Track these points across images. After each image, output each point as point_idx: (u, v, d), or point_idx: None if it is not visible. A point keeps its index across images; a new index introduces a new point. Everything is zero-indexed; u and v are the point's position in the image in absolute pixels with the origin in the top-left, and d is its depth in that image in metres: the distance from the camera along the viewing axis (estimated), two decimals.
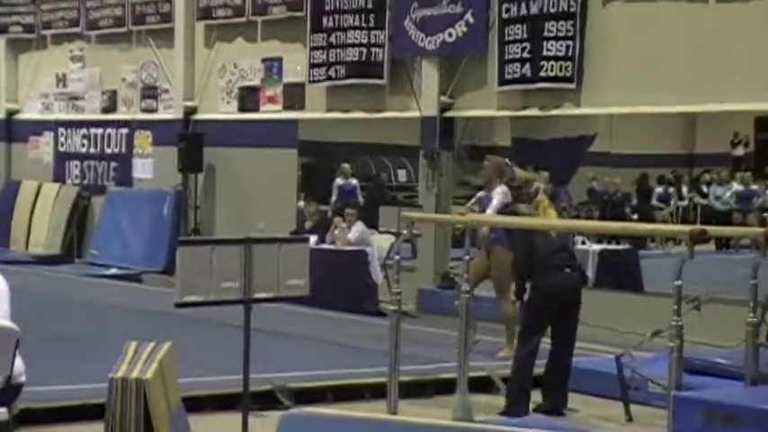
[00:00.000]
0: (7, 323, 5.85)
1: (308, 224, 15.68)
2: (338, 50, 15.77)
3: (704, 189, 24.12)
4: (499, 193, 10.73)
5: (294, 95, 16.84)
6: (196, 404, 8.01)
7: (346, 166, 20.70)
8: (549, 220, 9.91)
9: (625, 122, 19.68)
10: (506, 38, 13.88)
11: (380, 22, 15.32)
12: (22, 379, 6.08)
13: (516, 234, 9.12)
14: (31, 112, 21.56)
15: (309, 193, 17.28)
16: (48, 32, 20.93)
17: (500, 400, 8.94)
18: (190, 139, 17.90)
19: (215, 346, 10.35)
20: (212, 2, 17.86)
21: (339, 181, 20.08)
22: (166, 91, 18.92)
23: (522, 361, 8.55)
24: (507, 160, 11.46)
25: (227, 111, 17.92)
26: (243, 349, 7.04)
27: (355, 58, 15.55)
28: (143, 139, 19.42)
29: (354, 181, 20.57)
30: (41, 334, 9.31)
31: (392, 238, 14.63)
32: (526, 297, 8.73)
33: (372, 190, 22.41)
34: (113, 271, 18.10)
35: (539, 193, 10.41)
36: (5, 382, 5.85)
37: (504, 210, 10.26)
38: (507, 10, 13.89)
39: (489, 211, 10.66)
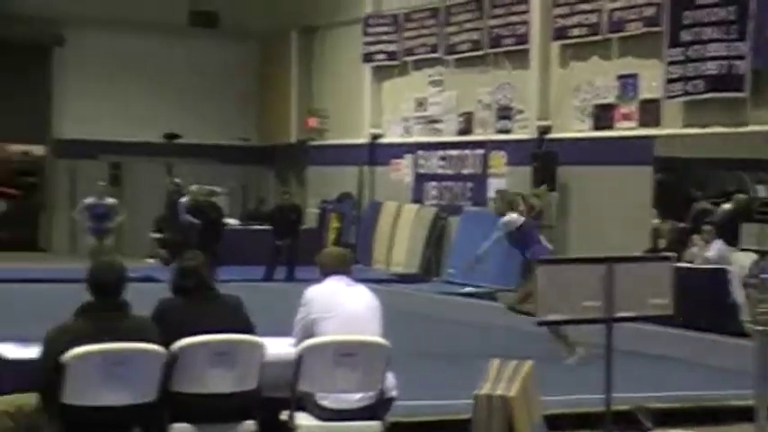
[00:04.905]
0: (380, 340, 6.13)
1: (662, 242, 15.38)
2: (697, 64, 15.41)
3: None
4: None
5: (650, 112, 16.62)
6: (556, 422, 8.02)
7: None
8: None
9: None
10: None
11: (742, 33, 14.83)
12: (394, 393, 6.32)
13: None
14: (392, 136, 22.42)
15: (664, 211, 16.90)
16: (409, 59, 21.71)
17: None
18: (543, 158, 18.02)
19: (572, 365, 10.35)
20: (567, 22, 17.94)
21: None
22: (521, 111, 19.15)
23: None
24: None
25: (581, 129, 17.90)
26: (604, 368, 7.02)
27: (714, 72, 15.13)
28: (497, 160, 19.75)
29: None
30: (407, 350, 9.63)
31: (753, 256, 14.07)
32: None
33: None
34: (469, 289, 18.44)
35: None
36: (378, 395, 6.12)
37: None
38: None
39: None
